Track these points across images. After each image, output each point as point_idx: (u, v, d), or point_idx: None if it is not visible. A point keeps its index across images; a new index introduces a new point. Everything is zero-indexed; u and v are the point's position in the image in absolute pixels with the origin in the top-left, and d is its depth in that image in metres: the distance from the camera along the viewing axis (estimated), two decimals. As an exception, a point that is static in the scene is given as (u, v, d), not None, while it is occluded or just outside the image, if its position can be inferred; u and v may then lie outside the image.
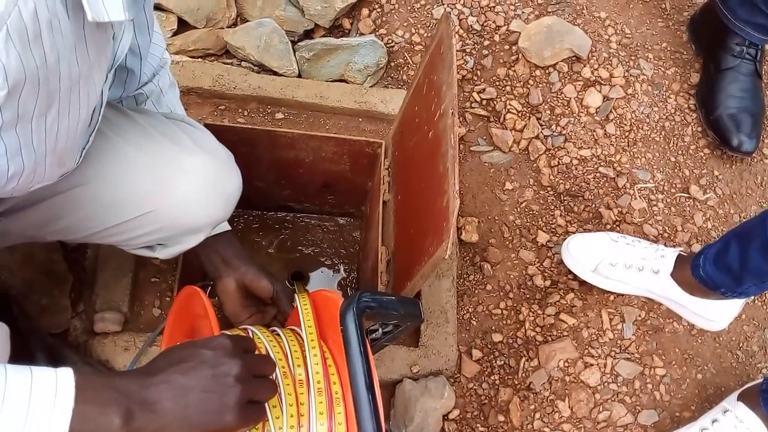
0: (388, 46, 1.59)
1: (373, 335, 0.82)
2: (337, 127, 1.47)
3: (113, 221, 0.89)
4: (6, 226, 0.88)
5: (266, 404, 0.71)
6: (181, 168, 0.88)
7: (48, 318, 1.15)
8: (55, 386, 0.58)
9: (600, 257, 1.35)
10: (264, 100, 1.47)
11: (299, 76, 1.55)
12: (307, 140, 1.36)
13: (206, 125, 1.01)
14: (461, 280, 1.37)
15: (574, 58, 1.63)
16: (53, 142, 0.67)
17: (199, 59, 1.51)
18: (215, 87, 1.45)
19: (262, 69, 1.53)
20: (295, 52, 1.54)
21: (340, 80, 1.57)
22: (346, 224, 1.65)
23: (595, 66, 1.64)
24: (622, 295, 1.40)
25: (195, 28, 1.52)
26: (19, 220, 0.87)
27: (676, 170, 1.58)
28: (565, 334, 1.35)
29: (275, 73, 1.52)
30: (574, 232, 1.46)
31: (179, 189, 0.88)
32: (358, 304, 0.70)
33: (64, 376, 0.59)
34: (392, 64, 1.60)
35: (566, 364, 1.32)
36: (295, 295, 0.95)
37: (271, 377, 0.72)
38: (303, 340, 0.84)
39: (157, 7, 1.47)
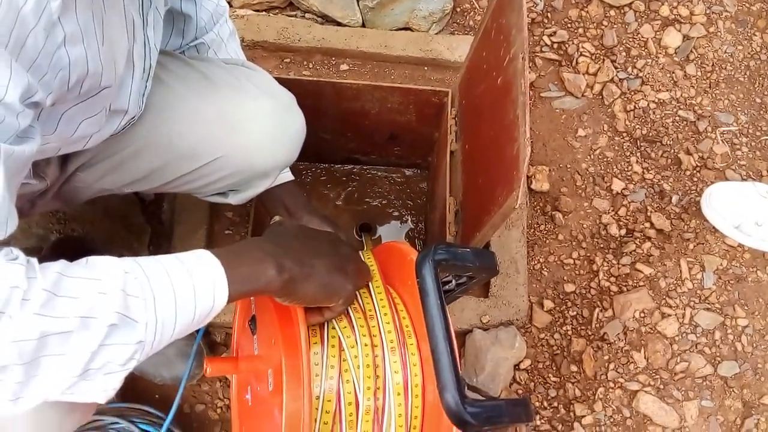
0: (453, -10, 1.55)
1: (446, 287, 0.81)
2: (402, 76, 1.45)
3: (186, 169, 0.91)
4: (84, 179, 0.91)
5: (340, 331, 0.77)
6: (246, 112, 0.89)
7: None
8: (203, 264, 0.63)
9: (745, 214, 1.29)
10: (328, 51, 1.46)
11: (363, 25, 1.53)
12: (372, 91, 1.35)
13: (272, 78, 1.02)
14: (532, 230, 1.35)
15: (651, -4, 1.55)
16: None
17: (264, 12, 1.51)
18: (280, 40, 1.44)
19: (326, 20, 1.51)
20: (358, 1, 1.52)
21: (405, 28, 1.53)
22: (412, 175, 1.64)
23: (674, 4, 1.55)
24: (704, 243, 1.35)
25: (259, -20, 1.52)
26: (95, 172, 0.91)
27: (761, 112, 1.49)
28: (642, 284, 1.31)
29: (339, 24, 1.50)
30: (651, 180, 1.40)
31: (246, 133, 0.89)
32: (434, 256, 0.69)
33: (203, 254, 0.64)
34: (458, 9, 1.55)
35: (642, 315, 1.28)
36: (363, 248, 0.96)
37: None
38: (370, 291, 0.84)
39: (221, -39, 1.47)
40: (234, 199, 0.99)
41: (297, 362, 0.72)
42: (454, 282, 0.81)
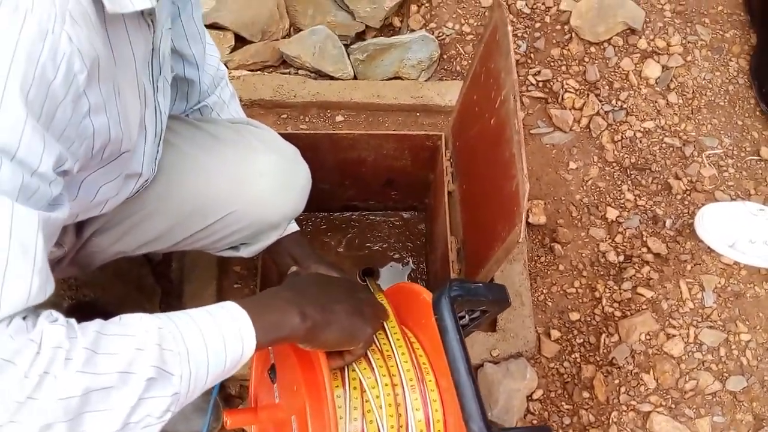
0: (439, 39, 1.61)
1: (461, 321, 0.84)
2: (396, 123, 1.50)
3: (199, 226, 0.94)
4: (99, 243, 0.94)
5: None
6: (254, 167, 0.93)
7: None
8: (230, 315, 0.66)
9: (738, 233, 1.33)
10: (323, 104, 1.51)
11: (355, 77, 1.59)
12: (368, 140, 1.39)
13: (272, 134, 1.06)
14: (533, 263, 1.38)
15: (628, 31, 1.62)
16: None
17: (258, 72, 1.56)
18: (276, 97, 1.49)
19: (319, 75, 1.57)
20: (349, 55, 1.58)
21: (395, 77, 1.59)
22: (410, 218, 1.67)
23: (651, 37, 1.62)
24: (701, 264, 1.39)
25: (251, 42, 1.58)
26: (110, 236, 0.94)
27: (744, 134, 1.55)
28: (644, 307, 1.34)
29: (332, 78, 1.56)
30: (643, 206, 1.45)
31: (255, 187, 0.93)
32: (450, 293, 0.72)
33: (230, 306, 0.68)
34: (445, 56, 1.62)
35: (648, 337, 1.31)
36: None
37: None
38: (386, 332, 0.87)
39: (214, 27, 1.53)
40: (245, 252, 1.02)
41: (321, 406, 0.74)
42: (467, 317, 0.84)
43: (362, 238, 1.66)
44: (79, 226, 0.91)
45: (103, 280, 1.23)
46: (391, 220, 1.68)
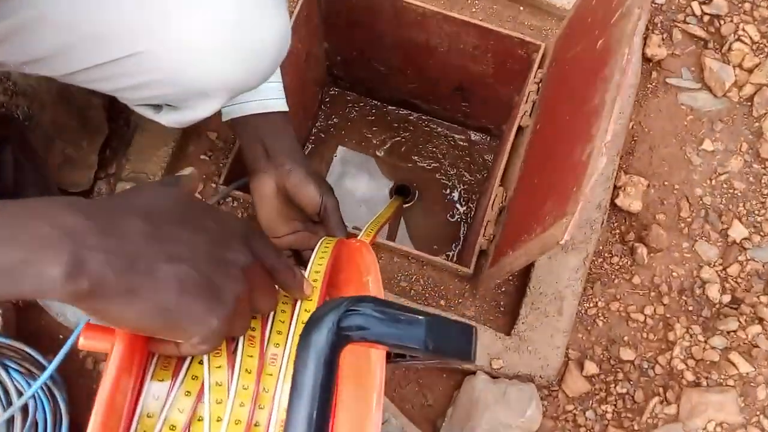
0: None
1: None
2: (486, 12, 1.09)
3: (96, 59, 0.64)
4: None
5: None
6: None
7: (68, 172, 0.94)
8: None
9: None
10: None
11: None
12: (441, 22, 1.02)
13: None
14: (600, 260, 0.99)
15: None
16: None
17: None
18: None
19: None
20: None
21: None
22: (478, 142, 1.30)
23: None
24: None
25: None
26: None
27: None
28: (731, 383, 0.93)
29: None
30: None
31: (178, 25, 0.60)
32: (341, 321, 0.38)
33: None
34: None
35: (720, 429, 0.91)
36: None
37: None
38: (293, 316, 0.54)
39: None
40: (165, 119, 0.70)
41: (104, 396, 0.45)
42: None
43: (412, 146, 1.31)
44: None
45: (45, 95, 0.96)
46: (454, 136, 1.32)
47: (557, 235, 0.61)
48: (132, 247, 0.41)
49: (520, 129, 0.98)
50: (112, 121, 0.99)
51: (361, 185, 1.31)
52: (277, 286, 0.51)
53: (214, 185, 0.93)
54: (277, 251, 0.51)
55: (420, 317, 0.39)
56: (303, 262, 0.87)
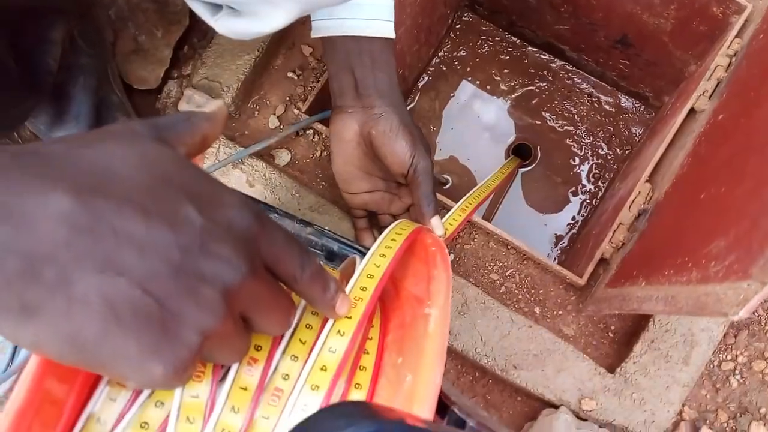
0: None
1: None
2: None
3: None
4: None
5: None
6: None
7: (137, 64, 0.80)
8: None
9: None
10: None
11: None
12: (619, -49, 0.78)
13: None
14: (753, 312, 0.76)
15: None
16: None
17: None
18: None
19: None
20: None
21: None
22: (629, 110, 1.07)
23: None
24: None
25: None
26: None
27: None
28: None
29: None
30: None
31: None
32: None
33: None
34: None
35: None
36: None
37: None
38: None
39: None
40: (223, 26, 0.52)
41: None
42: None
43: (546, 100, 1.09)
44: None
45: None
46: (600, 97, 1.08)
47: (726, 304, 0.40)
48: (41, 243, 0.25)
49: (692, 112, 0.74)
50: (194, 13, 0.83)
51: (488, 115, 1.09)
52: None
53: (297, 111, 0.76)
54: (303, 250, 0.33)
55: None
56: (378, 227, 0.70)
